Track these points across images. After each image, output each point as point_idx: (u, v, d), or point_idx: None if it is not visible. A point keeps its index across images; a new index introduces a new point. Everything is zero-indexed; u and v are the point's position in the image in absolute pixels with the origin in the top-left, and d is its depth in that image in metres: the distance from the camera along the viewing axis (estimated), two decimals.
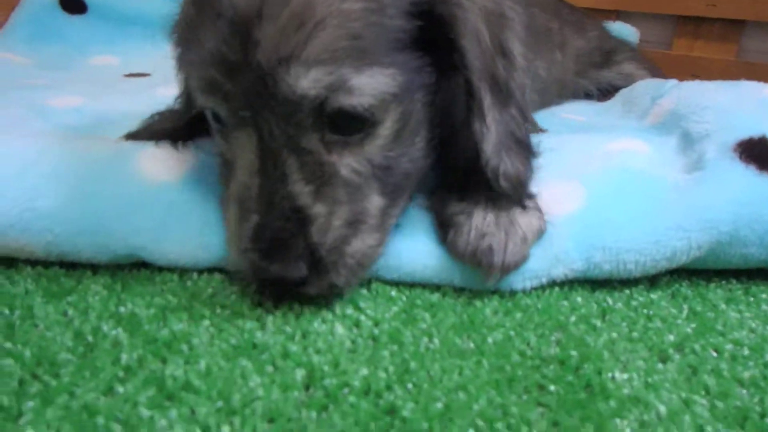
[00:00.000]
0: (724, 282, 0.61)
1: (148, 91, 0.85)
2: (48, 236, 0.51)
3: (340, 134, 0.48)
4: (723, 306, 0.57)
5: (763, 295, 0.59)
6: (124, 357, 0.43)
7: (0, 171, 0.52)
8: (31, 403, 0.38)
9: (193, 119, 0.58)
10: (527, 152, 0.57)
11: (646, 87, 0.90)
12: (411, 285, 0.56)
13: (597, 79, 1.01)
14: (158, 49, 1.13)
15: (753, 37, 1.16)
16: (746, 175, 0.57)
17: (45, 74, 0.93)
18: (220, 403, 0.40)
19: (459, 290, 0.55)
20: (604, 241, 0.56)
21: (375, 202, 0.50)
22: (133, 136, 0.60)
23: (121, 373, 0.42)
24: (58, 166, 0.53)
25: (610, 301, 0.56)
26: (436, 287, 0.56)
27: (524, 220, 0.54)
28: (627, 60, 1.03)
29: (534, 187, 0.58)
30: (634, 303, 0.56)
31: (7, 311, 0.48)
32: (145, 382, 0.41)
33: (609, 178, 0.60)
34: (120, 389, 0.40)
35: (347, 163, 0.48)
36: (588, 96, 1.01)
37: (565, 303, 0.55)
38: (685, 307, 0.56)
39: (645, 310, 0.55)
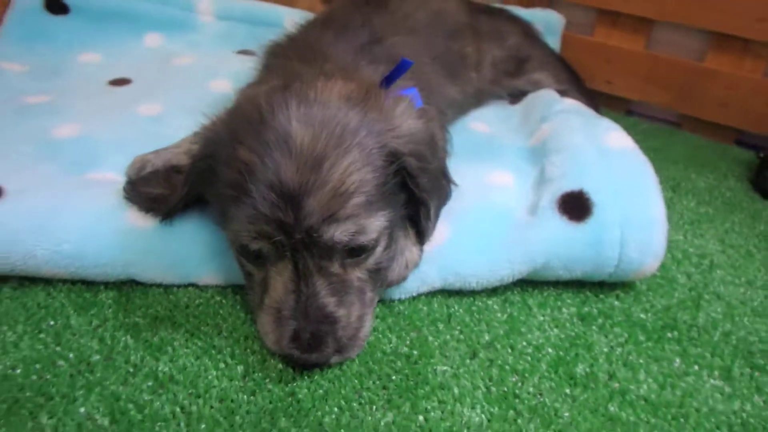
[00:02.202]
0: (548, 288, 0.86)
1: (130, 107, 1.04)
2: (72, 268, 0.77)
3: (353, 257, 0.68)
4: (535, 310, 0.83)
5: (569, 301, 0.86)
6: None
7: (29, 223, 0.76)
8: None
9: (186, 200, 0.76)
10: (442, 208, 0.83)
11: (541, 102, 1.09)
12: None
13: (509, 86, 1.18)
14: (138, 48, 1.29)
15: None
16: (559, 224, 0.81)
17: (40, 87, 1.10)
18: None
19: None
20: (456, 269, 0.80)
21: (369, 295, 0.72)
22: (128, 196, 0.79)
23: None
24: (72, 219, 0.77)
25: (456, 306, 0.83)
26: None
27: (408, 254, 0.79)
28: (538, 69, 1.19)
29: None
30: (473, 308, 0.83)
31: (45, 322, 0.74)
32: None
33: (469, 218, 0.83)
34: None
35: (356, 276, 0.69)
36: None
37: (425, 309, 0.82)
38: (509, 310, 0.83)
39: (479, 315, 0.82)
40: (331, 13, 1.01)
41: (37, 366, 0.69)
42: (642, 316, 0.83)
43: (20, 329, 0.73)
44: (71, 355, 0.70)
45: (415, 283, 0.81)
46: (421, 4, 1.05)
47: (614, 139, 0.90)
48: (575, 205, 0.82)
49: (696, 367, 0.75)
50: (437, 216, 0.81)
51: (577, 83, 1.27)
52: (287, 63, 0.87)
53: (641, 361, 0.76)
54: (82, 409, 0.64)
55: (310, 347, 0.65)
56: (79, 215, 0.77)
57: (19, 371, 0.68)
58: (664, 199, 0.84)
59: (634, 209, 0.81)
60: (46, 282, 0.80)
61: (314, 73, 0.77)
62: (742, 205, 1.13)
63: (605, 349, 0.77)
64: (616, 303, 0.85)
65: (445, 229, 0.83)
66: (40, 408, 0.64)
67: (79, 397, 0.65)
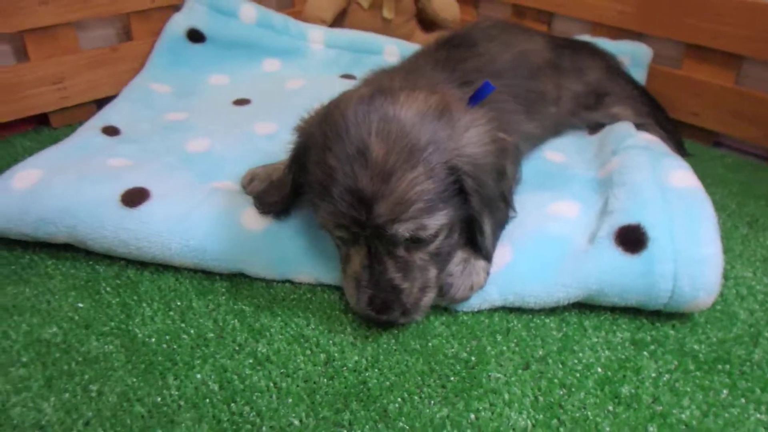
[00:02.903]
0: (605, 312, 0.93)
1: (249, 125, 1.23)
2: (195, 260, 0.94)
3: (416, 244, 0.82)
4: (590, 331, 0.90)
5: (624, 326, 0.91)
6: None
7: (167, 222, 0.94)
8: None
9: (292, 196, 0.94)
10: (502, 231, 0.93)
11: (616, 135, 1.14)
12: None
13: (587, 118, 1.22)
14: (257, 72, 1.50)
15: None
16: (614, 255, 0.87)
17: (179, 105, 1.31)
18: None
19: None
20: (515, 290, 0.89)
21: (433, 272, 0.85)
22: (260, 209, 0.96)
23: None
24: (198, 220, 0.95)
25: (515, 321, 0.91)
26: None
27: (475, 277, 0.89)
28: (617, 103, 1.22)
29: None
30: (531, 324, 0.91)
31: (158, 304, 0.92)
32: None
33: (530, 244, 0.92)
34: None
35: (419, 257, 0.84)
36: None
37: (486, 321, 0.91)
38: (564, 329, 0.90)
39: (535, 331, 0.90)
40: (423, 54, 1.12)
41: (167, 337, 0.86)
42: (695, 347, 0.87)
43: (155, 306, 0.92)
44: (192, 331, 0.87)
45: (477, 300, 0.91)
46: (508, 45, 1.13)
47: (677, 177, 0.94)
48: (631, 238, 0.88)
49: (743, 400, 0.79)
50: (495, 237, 0.90)
51: (658, 116, 1.29)
52: (383, 77, 1.00)
53: (687, 388, 0.80)
54: (199, 376, 0.81)
55: (381, 310, 0.81)
56: (204, 217, 0.95)
57: (153, 340, 0.86)
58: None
59: (689, 246, 0.85)
60: (176, 269, 0.99)
61: (400, 86, 0.87)
62: None
63: (653, 374, 0.83)
64: (671, 332, 0.90)
65: (507, 253, 0.92)
66: (168, 371, 0.81)
67: (197, 366, 0.82)
